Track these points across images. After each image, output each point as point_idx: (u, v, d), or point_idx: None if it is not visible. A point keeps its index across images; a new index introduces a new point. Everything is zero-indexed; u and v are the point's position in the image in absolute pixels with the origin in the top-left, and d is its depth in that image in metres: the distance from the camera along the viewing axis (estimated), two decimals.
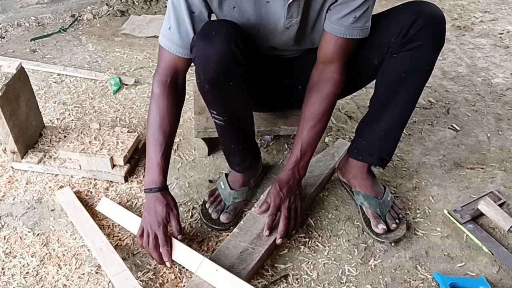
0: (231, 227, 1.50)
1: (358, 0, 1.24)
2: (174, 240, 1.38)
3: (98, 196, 1.64)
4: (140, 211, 1.58)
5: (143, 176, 1.71)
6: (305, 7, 1.29)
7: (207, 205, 1.56)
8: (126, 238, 1.49)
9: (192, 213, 1.58)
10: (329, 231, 1.53)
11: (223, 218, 1.52)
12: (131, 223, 1.49)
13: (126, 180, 1.69)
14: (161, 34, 1.31)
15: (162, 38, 1.30)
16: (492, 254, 1.45)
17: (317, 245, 1.48)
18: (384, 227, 1.47)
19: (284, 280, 1.38)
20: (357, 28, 1.29)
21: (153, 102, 1.35)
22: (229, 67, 1.23)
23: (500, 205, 1.58)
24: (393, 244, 1.48)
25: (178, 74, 1.35)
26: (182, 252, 1.36)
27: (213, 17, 1.31)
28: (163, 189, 1.36)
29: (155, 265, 1.42)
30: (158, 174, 1.35)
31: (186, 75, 1.38)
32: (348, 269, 1.42)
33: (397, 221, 1.51)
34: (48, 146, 1.76)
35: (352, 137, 1.88)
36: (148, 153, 1.36)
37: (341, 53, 1.34)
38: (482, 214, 1.56)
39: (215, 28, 1.23)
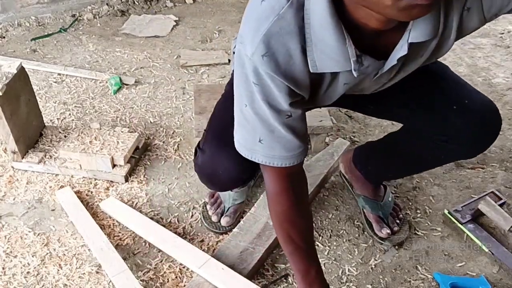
0: (232, 229, 1.49)
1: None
2: (178, 238, 1.38)
3: (99, 196, 1.64)
4: (140, 211, 1.58)
5: (143, 176, 1.72)
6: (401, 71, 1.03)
7: (207, 207, 1.56)
8: (126, 238, 1.49)
9: (192, 213, 1.58)
10: (329, 231, 1.53)
11: (223, 221, 1.51)
12: (136, 222, 1.49)
13: (126, 180, 1.69)
14: (245, 148, 1.00)
15: (253, 153, 0.99)
16: (492, 254, 1.45)
17: (317, 245, 1.48)
18: (388, 231, 1.47)
19: (284, 280, 1.38)
20: None
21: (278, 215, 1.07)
22: (238, 180, 1.25)
23: (500, 205, 1.58)
24: (396, 246, 1.48)
25: (293, 176, 1.05)
26: (187, 251, 1.37)
27: None
28: None
29: (155, 264, 1.42)
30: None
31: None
32: (348, 269, 1.42)
33: (398, 222, 1.51)
34: (49, 146, 1.76)
35: (352, 137, 1.89)
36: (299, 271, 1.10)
37: None
38: (482, 214, 1.55)
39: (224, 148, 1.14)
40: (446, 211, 1.57)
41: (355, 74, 0.89)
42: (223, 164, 1.15)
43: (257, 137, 0.96)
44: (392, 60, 0.90)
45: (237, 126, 1.00)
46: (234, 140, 1.02)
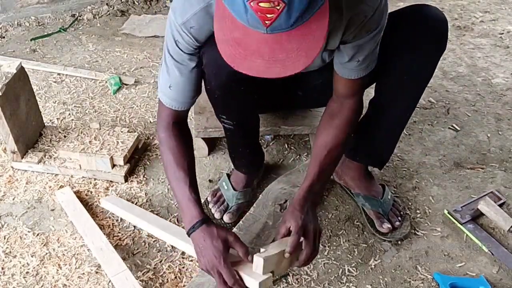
0: (233, 228, 1.50)
1: (358, 46, 1.19)
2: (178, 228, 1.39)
3: (98, 196, 1.64)
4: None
5: (143, 176, 1.71)
6: None
7: (210, 205, 1.56)
8: (126, 238, 1.49)
9: None
10: (329, 231, 1.53)
11: (226, 218, 1.52)
12: (138, 218, 1.50)
13: (126, 180, 1.69)
14: (160, 91, 1.29)
15: (163, 96, 1.28)
16: (492, 254, 1.45)
17: None
18: (389, 225, 1.48)
19: (284, 280, 1.38)
20: (363, 68, 1.25)
21: (162, 146, 1.30)
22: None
23: (500, 205, 1.58)
24: (399, 242, 1.48)
25: (180, 118, 1.34)
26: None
27: None
28: (206, 220, 1.22)
29: (155, 265, 1.42)
30: (194, 208, 1.23)
31: None
32: (348, 269, 1.42)
33: (399, 218, 1.51)
34: (48, 146, 1.76)
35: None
36: (177, 197, 1.28)
37: (354, 90, 1.31)
38: (482, 214, 1.56)
39: None
40: (446, 211, 1.57)
41: None
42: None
43: (168, 83, 1.25)
44: None
45: (161, 70, 1.28)
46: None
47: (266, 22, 0.89)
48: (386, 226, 1.48)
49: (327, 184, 1.36)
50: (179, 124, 1.33)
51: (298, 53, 0.94)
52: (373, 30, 1.17)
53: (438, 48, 1.33)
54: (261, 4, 0.86)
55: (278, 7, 0.87)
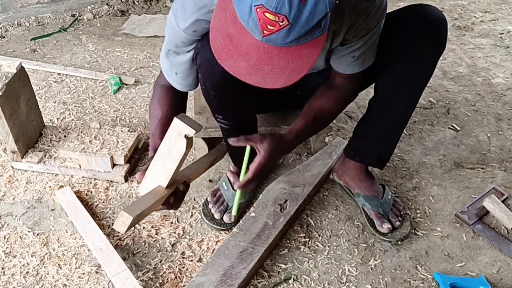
0: (233, 227, 1.50)
1: (357, 43, 1.24)
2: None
3: (98, 196, 1.64)
4: None
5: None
6: None
7: (210, 205, 1.56)
8: (126, 238, 1.49)
9: (192, 212, 1.58)
10: (329, 231, 1.53)
11: (226, 218, 1.52)
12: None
13: (126, 180, 1.69)
14: (166, 75, 1.33)
15: (171, 79, 1.33)
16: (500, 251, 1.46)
17: (317, 245, 1.48)
18: (389, 226, 1.48)
19: (285, 283, 1.38)
20: (358, 64, 1.29)
21: (153, 98, 1.36)
22: None
23: (503, 201, 1.59)
24: (399, 242, 1.48)
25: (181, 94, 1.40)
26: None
27: None
28: None
29: (155, 265, 1.42)
30: (152, 144, 1.32)
31: None
32: (348, 269, 1.42)
33: (400, 218, 1.51)
34: (48, 146, 1.76)
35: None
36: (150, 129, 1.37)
37: (350, 84, 1.35)
38: (487, 212, 1.56)
39: None
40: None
41: None
42: None
43: (174, 71, 1.31)
44: None
45: (163, 56, 1.32)
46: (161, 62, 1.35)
47: (265, 31, 0.91)
48: (386, 226, 1.48)
49: (300, 143, 1.40)
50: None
51: (282, 70, 0.97)
52: (373, 29, 1.19)
53: (438, 48, 1.33)
54: (267, 14, 0.88)
55: (281, 23, 0.89)
